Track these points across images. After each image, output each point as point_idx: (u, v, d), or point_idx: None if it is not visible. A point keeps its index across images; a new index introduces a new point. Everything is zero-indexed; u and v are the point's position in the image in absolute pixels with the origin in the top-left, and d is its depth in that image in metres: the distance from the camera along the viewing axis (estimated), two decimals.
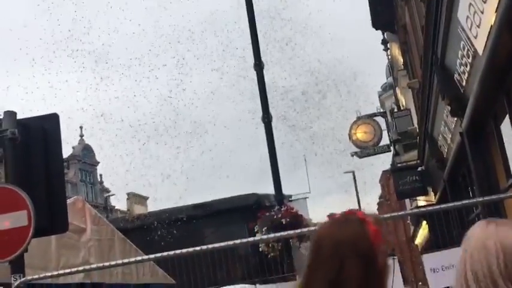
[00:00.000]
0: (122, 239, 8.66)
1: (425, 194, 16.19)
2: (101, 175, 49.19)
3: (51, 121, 5.26)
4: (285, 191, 12.69)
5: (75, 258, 7.20)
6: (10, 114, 5.12)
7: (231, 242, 4.82)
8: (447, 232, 11.00)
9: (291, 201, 16.37)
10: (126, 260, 5.81)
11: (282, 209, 10.78)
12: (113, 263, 5.50)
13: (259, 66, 11.18)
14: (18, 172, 5.00)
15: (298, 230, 5.46)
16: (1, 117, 5.25)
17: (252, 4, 11.31)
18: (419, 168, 15.82)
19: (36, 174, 5.05)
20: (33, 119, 5.27)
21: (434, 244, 12.59)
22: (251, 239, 6.52)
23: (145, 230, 14.82)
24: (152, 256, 5.31)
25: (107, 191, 48.71)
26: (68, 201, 6.26)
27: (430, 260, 7.63)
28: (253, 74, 11.29)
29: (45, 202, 4.90)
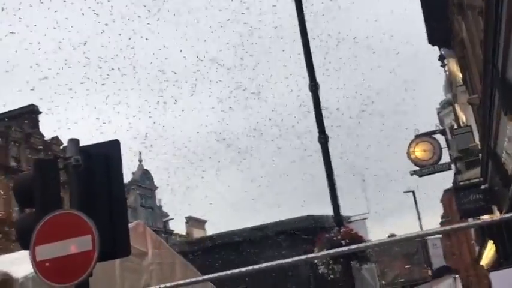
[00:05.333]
0: (183, 262, 8.73)
1: (490, 212, 15.67)
2: (159, 200, 49.98)
3: (113, 147, 5.39)
4: (343, 212, 12.54)
5: (138, 282, 7.30)
6: (73, 142, 5.28)
7: (289, 260, 4.78)
8: None
9: (350, 222, 16.14)
10: (188, 280, 5.84)
11: (341, 230, 10.63)
12: (174, 283, 5.53)
13: (314, 86, 11.15)
14: (82, 198, 5.13)
15: (354, 246, 5.36)
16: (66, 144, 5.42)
17: (305, 23, 11.32)
18: (483, 186, 15.34)
19: (99, 199, 5.17)
20: (95, 146, 5.41)
21: (501, 263, 12.12)
22: (310, 255, 6.43)
23: (205, 253, 14.91)
24: (212, 276, 5.32)
25: (166, 215, 49.40)
26: (130, 225, 6.37)
27: (498, 278, 7.35)
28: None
29: (108, 227, 4.99)
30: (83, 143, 5.32)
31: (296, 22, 11.21)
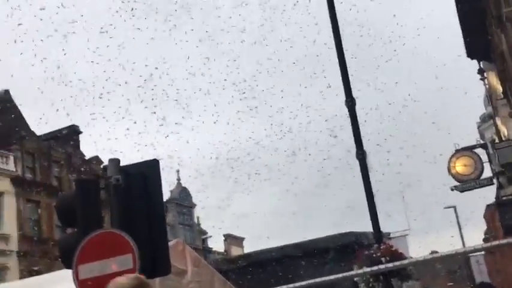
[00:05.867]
0: (221, 279, 8.73)
1: None
2: (198, 217, 50.23)
3: (152, 167, 5.47)
4: (383, 228, 12.37)
5: None
6: (114, 162, 5.38)
7: (329, 277, 4.76)
8: None
9: (390, 238, 15.92)
10: None
11: (381, 247, 10.48)
12: None
13: (350, 102, 11.10)
14: (122, 217, 5.20)
15: (398, 263, 5.29)
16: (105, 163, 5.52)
17: (341, 41, 11.31)
18: None
19: (139, 218, 5.24)
20: (135, 166, 5.49)
21: None
22: (349, 273, 6.38)
23: (243, 270, 14.88)
24: None
25: (204, 232, 49.57)
26: (169, 244, 6.41)
27: None
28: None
29: (148, 245, 5.04)
30: (122, 158, 5.41)
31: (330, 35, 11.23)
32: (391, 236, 16.99)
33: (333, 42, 11.42)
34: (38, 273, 12.90)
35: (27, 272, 27.47)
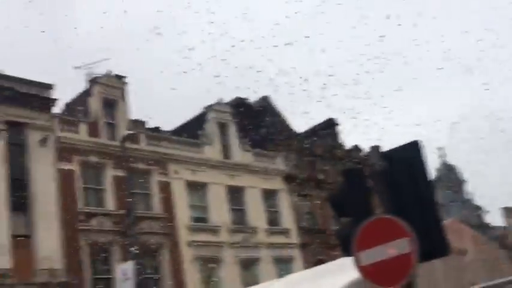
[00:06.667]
0: (507, 257, 8.23)
1: None
2: (469, 193, 47.92)
3: (413, 149, 5.42)
4: None
5: (461, 280, 7.11)
6: (375, 149, 5.52)
7: None
8: None
9: None
10: None
11: None
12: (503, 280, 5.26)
13: None
14: (392, 202, 5.26)
15: None
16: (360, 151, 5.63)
17: None
18: None
19: (409, 201, 5.23)
20: (396, 150, 5.51)
21: None
22: None
23: None
24: None
25: (479, 208, 47.08)
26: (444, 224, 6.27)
27: None
28: None
29: (422, 228, 5.00)
30: (381, 144, 5.47)
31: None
32: None
33: None
34: (321, 262, 13.62)
35: (310, 262, 29.20)
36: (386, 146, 5.68)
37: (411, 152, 5.38)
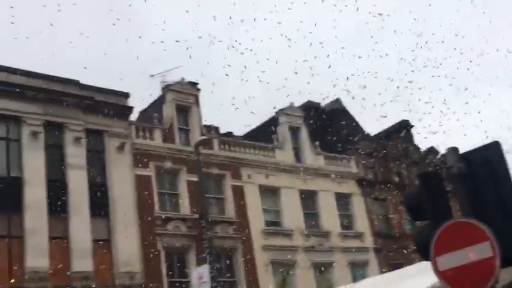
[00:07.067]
0: None
1: None
2: None
3: (494, 149, 5.25)
4: None
5: None
6: (453, 151, 5.34)
7: None
8: None
9: None
10: None
11: None
12: None
13: None
14: (472, 205, 5.11)
15: None
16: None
17: None
18: None
19: (490, 204, 5.06)
20: (475, 151, 5.35)
21: None
22: None
23: None
24: None
25: None
26: None
27: None
28: None
29: (504, 231, 4.83)
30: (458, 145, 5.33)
31: None
32: None
33: None
34: (398, 266, 13.40)
35: (386, 266, 28.71)
36: (462, 148, 5.51)
37: (492, 153, 5.21)
